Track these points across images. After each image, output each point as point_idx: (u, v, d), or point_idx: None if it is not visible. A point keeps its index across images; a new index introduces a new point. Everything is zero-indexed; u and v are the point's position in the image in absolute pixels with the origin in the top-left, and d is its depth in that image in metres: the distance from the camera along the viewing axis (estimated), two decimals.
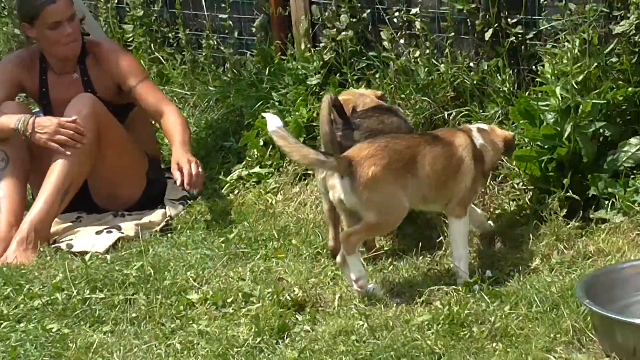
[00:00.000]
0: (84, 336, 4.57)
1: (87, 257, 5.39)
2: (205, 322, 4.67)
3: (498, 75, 5.94)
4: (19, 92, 6.23)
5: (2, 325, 4.71)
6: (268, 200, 5.96)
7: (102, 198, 6.04)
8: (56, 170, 5.69)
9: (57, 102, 6.03)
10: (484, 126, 5.20)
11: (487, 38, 5.98)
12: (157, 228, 5.82)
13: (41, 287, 5.06)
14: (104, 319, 4.74)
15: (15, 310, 4.82)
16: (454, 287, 4.77)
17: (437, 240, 5.29)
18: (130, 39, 7.52)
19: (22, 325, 4.71)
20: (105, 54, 6.05)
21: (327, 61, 6.56)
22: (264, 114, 5.00)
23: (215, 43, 7.20)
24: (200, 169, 5.73)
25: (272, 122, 4.71)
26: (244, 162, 6.32)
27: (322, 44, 6.62)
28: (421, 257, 5.12)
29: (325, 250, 5.30)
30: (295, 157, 4.72)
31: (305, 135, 6.18)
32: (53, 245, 5.61)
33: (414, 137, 5.00)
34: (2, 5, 8.66)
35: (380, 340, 4.37)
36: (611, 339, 4.19)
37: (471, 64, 6.09)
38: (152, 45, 7.46)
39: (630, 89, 5.50)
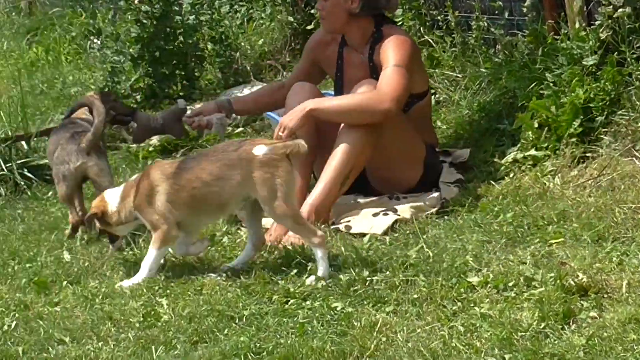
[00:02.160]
0: (367, 315, 4.58)
1: (365, 239, 5.44)
2: (487, 306, 4.57)
3: None
4: (314, 68, 6.33)
5: (290, 303, 4.80)
6: (545, 184, 5.82)
7: (379, 182, 6.06)
8: (338, 155, 5.73)
9: (346, 77, 6.13)
10: None
11: None
12: (433, 210, 5.79)
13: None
14: (386, 299, 4.74)
15: (300, 288, 4.89)
16: None
17: None
18: (400, 23, 7.53)
19: (307, 303, 4.77)
20: (384, 43, 5.93)
21: (604, 40, 6.34)
22: None
23: (485, 24, 7.13)
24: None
25: None
26: (518, 145, 6.19)
27: (597, 22, 6.41)
28: None
29: (608, 235, 5.09)
30: None
31: (582, 117, 6.00)
32: (332, 227, 5.67)
33: None
34: None
35: None
36: None
37: None
38: (421, 28, 7.47)
39: None
